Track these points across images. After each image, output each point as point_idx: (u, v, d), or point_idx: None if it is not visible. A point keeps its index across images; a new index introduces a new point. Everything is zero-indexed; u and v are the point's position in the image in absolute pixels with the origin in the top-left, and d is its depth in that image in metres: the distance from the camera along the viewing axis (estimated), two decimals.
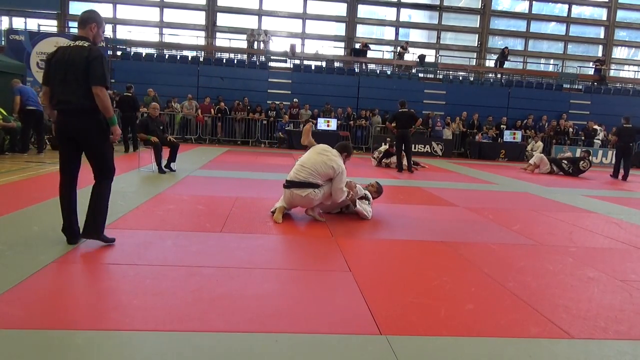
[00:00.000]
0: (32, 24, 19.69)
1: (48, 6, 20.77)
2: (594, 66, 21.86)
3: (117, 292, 2.73)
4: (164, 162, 7.85)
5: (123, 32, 21.19)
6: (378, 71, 20.57)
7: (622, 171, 11.72)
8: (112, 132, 3.55)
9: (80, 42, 3.41)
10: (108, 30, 20.32)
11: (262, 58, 20.06)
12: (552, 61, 24.27)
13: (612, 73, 22.87)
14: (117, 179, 6.04)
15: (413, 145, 15.94)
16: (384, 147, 11.88)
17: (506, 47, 21.64)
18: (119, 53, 18.85)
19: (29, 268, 2.94)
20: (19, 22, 20.29)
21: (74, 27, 20.33)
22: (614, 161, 12.56)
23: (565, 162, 12.14)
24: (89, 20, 3.48)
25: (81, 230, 3.53)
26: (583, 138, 17.72)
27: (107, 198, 3.59)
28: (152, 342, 2.16)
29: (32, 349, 2.03)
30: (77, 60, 3.32)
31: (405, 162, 10.65)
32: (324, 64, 20.31)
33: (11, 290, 2.60)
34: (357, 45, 21.52)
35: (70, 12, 21.34)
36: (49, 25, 20.25)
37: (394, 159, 11.27)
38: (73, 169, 3.55)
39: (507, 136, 16.82)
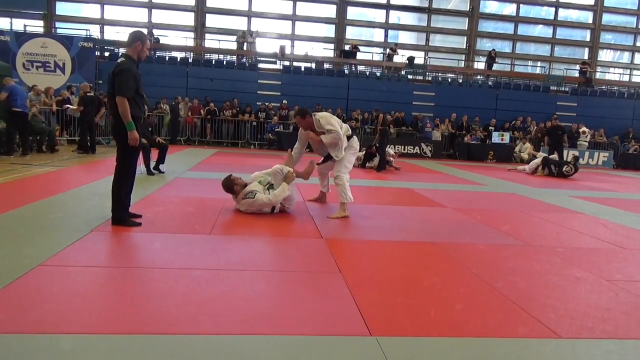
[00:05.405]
0: (18, 24, 19.41)
1: (34, 6, 20.50)
2: (580, 68, 22.14)
3: (105, 295, 2.70)
4: (152, 164, 7.80)
5: (111, 33, 20.96)
6: (367, 73, 20.61)
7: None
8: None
9: None
10: (96, 31, 20.10)
11: (252, 59, 20.01)
12: (539, 63, 24.54)
13: (598, 75, 23.19)
14: (105, 181, 6.00)
15: (403, 147, 16.21)
16: (360, 154, 11.77)
17: (493, 50, 21.83)
18: (106, 54, 18.67)
19: (15, 271, 2.90)
20: (4, 23, 19.99)
21: (60, 28, 20.12)
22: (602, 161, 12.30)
23: (553, 165, 12.28)
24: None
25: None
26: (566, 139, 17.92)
27: None
28: (140, 346, 2.13)
29: (18, 353, 2.00)
30: None
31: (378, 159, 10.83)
32: (313, 65, 20.30)
33: None
34: (347, 47, 21.55)
35: (57, 13, 21.09)
36: (36, 25, 19.98)
37: (376, 160, 11.27)
38: None
39: (496, 137, 16.97)
